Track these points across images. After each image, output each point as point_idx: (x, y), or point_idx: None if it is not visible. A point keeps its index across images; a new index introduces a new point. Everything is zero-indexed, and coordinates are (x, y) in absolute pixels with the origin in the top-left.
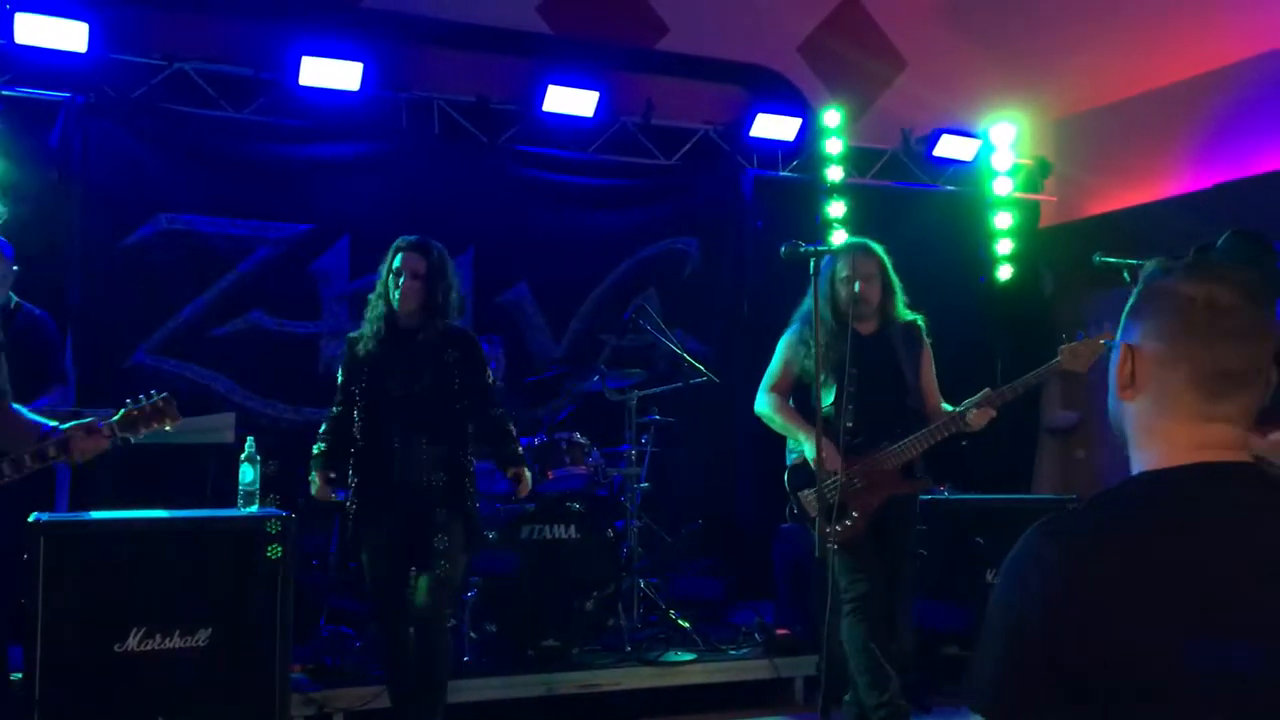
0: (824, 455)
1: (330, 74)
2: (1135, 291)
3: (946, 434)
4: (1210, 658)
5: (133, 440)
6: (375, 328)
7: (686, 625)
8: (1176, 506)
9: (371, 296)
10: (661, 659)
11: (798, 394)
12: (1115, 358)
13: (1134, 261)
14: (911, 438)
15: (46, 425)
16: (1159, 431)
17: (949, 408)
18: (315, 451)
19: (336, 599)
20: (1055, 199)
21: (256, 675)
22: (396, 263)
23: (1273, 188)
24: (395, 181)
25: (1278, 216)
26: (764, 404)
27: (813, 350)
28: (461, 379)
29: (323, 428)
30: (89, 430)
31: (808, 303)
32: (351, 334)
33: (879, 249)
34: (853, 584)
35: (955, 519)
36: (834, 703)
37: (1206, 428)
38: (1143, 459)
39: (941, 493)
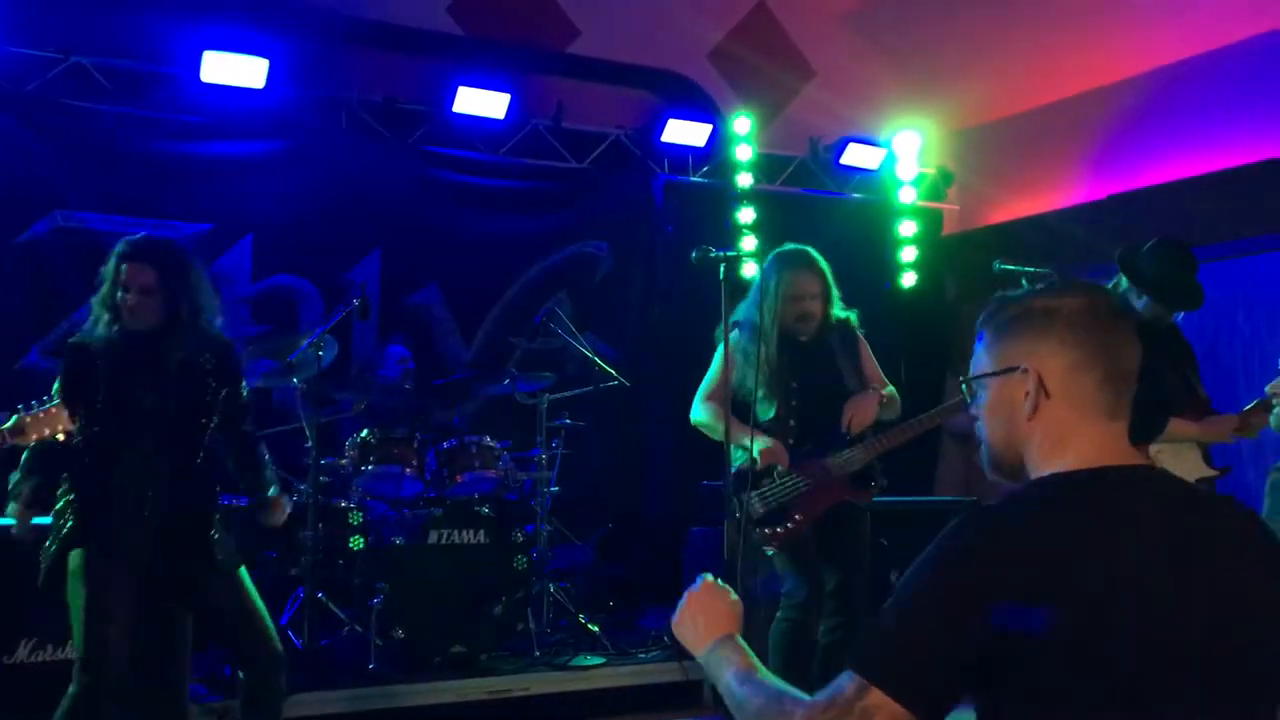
0: (773, 450)
1: (234, 70)
2: (994, 325)
3: (903, 440)
4: (1103, 653)
5: (21, 445)
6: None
7: (596, 629)
8: (1086, 506)
9: (94, 301)
10: (570, 663)
11: (735, 406)
12: (987, 394)
13: (1032, 269)
14: (863, 444)
15: None
16: (1073, 437)
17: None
18: None
19: None
20: (957, 208)
21: (153, 687)
22: (120, 273)
23: (1161, 199)
24: (301, 181)
25: (1165, 227)
26: (701, 413)
27: (751, 360)
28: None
29: None
30: None
31: (744, 311)
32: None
33: (821, 261)
34: (795, 588)
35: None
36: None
37: (1111, 426)
38: (1055, 466)
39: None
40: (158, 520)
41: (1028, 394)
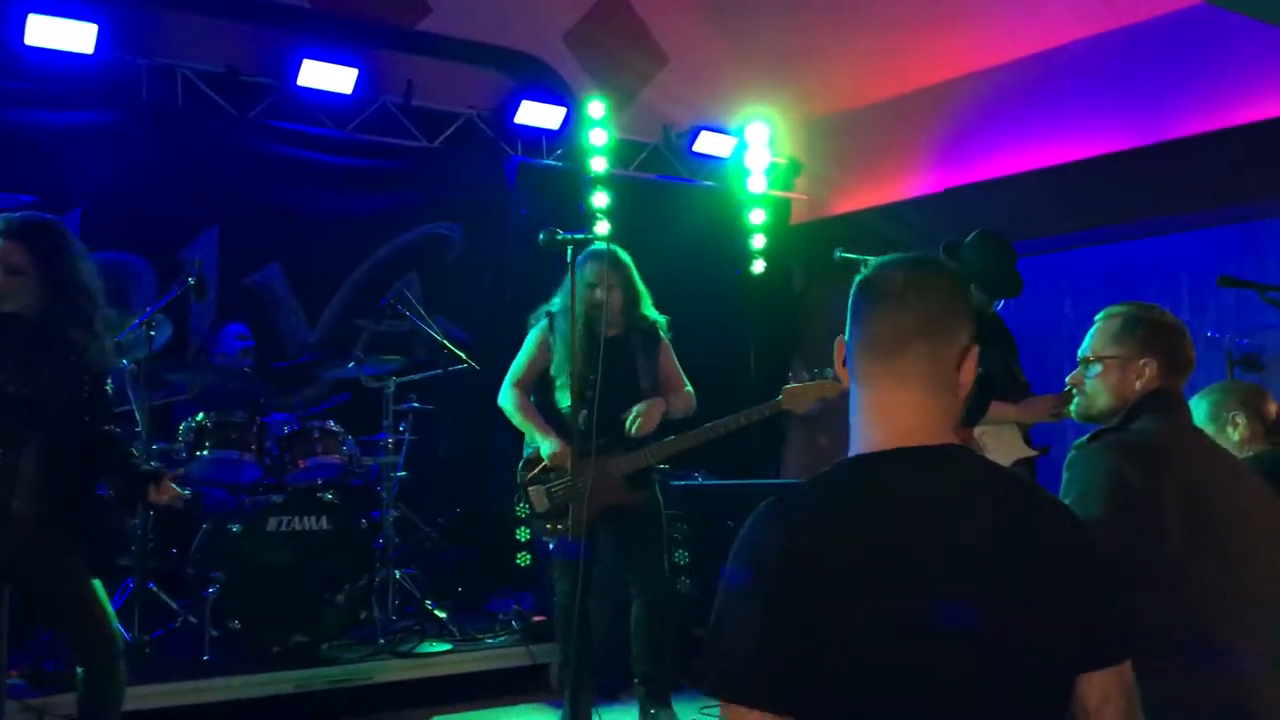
0: (558, 454)
1: (61, 34)
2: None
3: (698, 441)
4: (907, 621)
5: None
6: None
7: (443, 615)
8: (881, 488)
9: None
10: (415, 651)
11: (541, 390)
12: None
13: (872, 258)
14: (648, 449)
15: None
16: (862, 408)
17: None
18: None
19: None
20: (805, 197)
21: None
22: None
23: (997, 193)
24: (134, 153)
25: (999, 220)
26: (505, 399)
27: (555, 347)
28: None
29: None
30: None
31: (557, 299)
32: None
33: (625, 257)
34: (559, 578)
35: (708, 503)
36: (582, 687)
37: (894, 395)
38: (858, 444)
39: (696, 479)
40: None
41: (839, 361)
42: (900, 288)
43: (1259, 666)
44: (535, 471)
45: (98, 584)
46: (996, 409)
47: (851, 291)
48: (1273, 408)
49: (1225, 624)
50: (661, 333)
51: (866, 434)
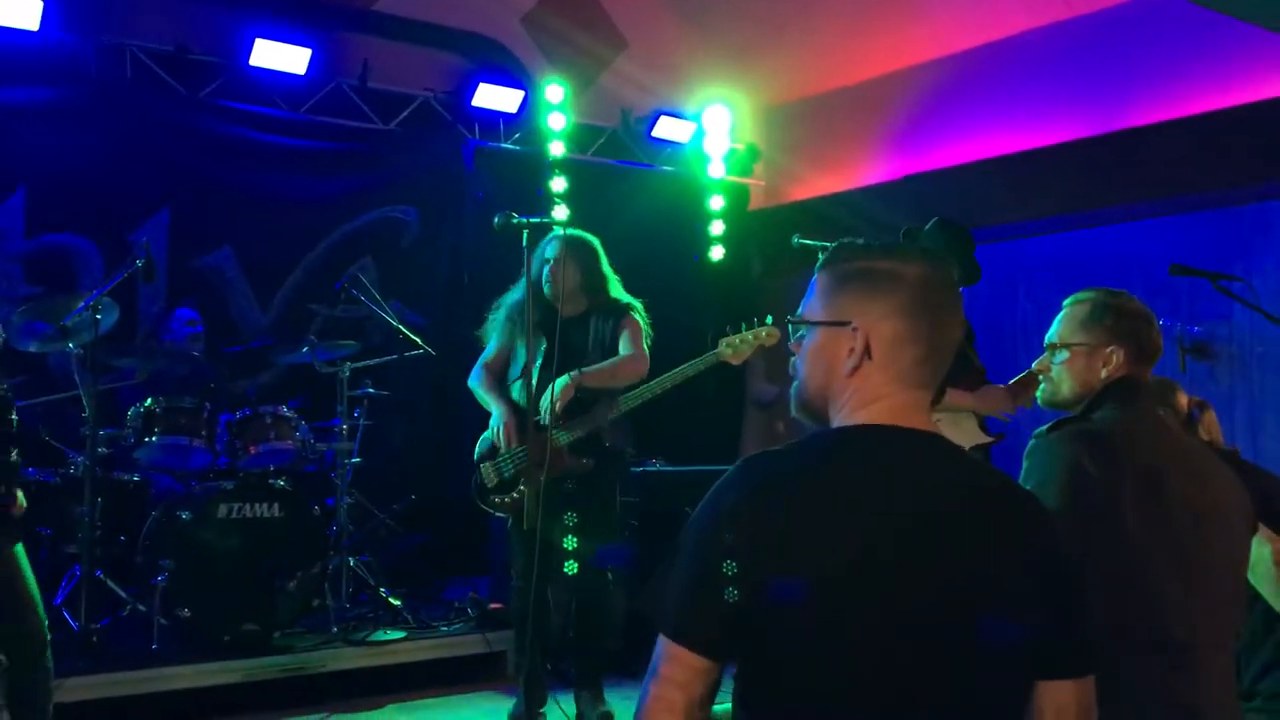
0: (507, 426)
1: (5, 10)
2: (835, 272)
3: (629, 407)
4: (849, 601)
5: None
6: None
7: (398, 603)
8: (856, 462)
9: None
10: (370, 638)
11: (508, 368)
12: (813, 339)
13: (830, 244)
14: (585, 416)
15: None
16: (882, 399)
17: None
18: None
19: None
20: (763, 184)
21: None
22: None
23: (953, 181)
24: (81, 133)
25: (955, 208)
26: (473, 378)
27: (519, 328)
28: None
29: None
30: None
31: (522, 283)
32: None
33: (588, 239)
34: (515, 556)
35: (666, 489)
36: (537, 673)
37: (917, 394)
38: (859, 418)
39: (653, 465)
40: None
41: (852, 351)
42: (960, 298)
43: (1212, 662)
44: (487, 449)
45: (28, 574)
46: (953, 397)
47: (917, 283)
48: (1183, 399)
49: (1180, 619)
50: (634, 314)
51: (868, 410)
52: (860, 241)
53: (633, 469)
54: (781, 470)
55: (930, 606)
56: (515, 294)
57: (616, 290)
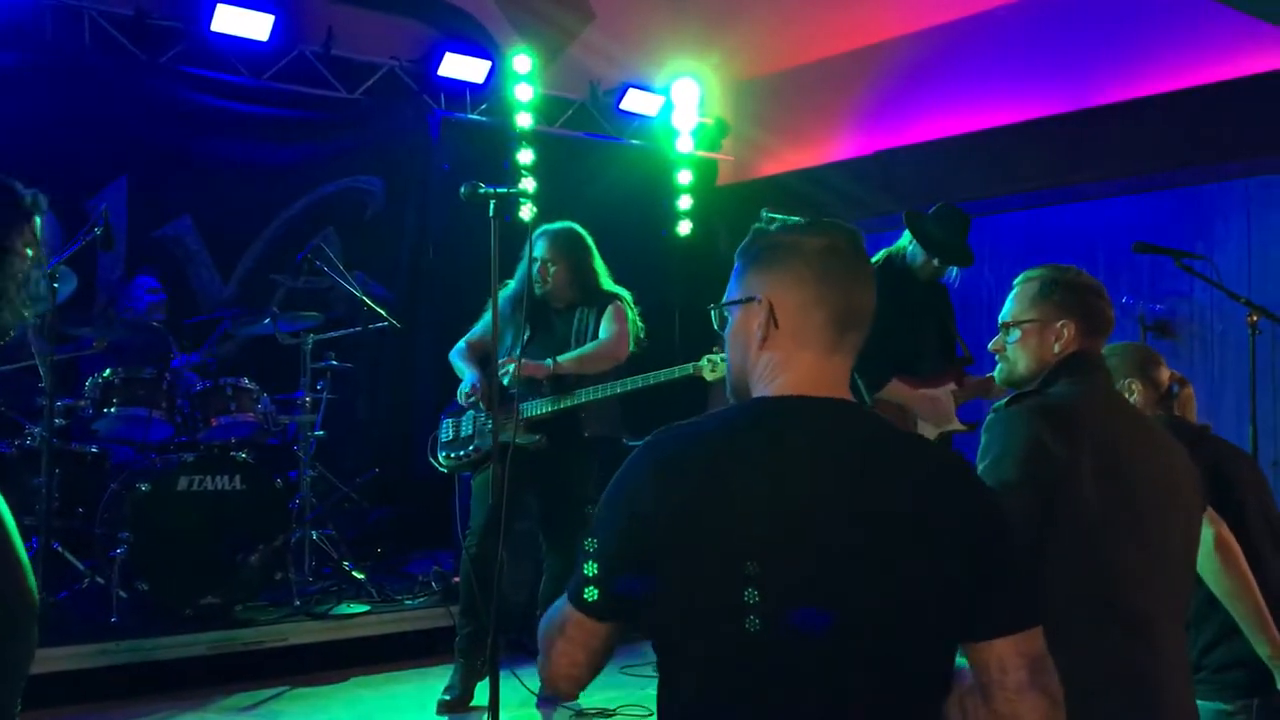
0: (473, 387)
1: None
2: (746, 255)
3: (572, 404)
4: (748, 576)
5: None
6: None
7: (361, 576)
8: (752, 431)
9: None
10: (333, 612)
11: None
12: (736, 314)
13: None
14: (547, 399)
15: None
16: (792, 365)
17: None
18: None
19: None
20: (732, 159)
21: None
22: None
23: (921, 157)
24: (36, 99)
25: (923, 184)
26: (455, 352)
27: (506, 318)
28: None
29: None
30: None
31: (517, 276)
32: None
33: (582, 235)
34: (475, 515)
35: None
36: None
37: (829, 359)
38: (767, 389)
39: (623, 441)
40: None
41: (760, 324)
42: (870, 267)
43: (1168, 634)
44: (453, 407)
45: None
46: (895, 388)
47: (818, 252)
48: (1165, 374)
49: (1136, 591)
50: (619, 303)
51: (780, 380)
52: (773, 225)
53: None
54: (684, 447)
55: (835, 575)
56: (511, 287)
57: (607, 283)
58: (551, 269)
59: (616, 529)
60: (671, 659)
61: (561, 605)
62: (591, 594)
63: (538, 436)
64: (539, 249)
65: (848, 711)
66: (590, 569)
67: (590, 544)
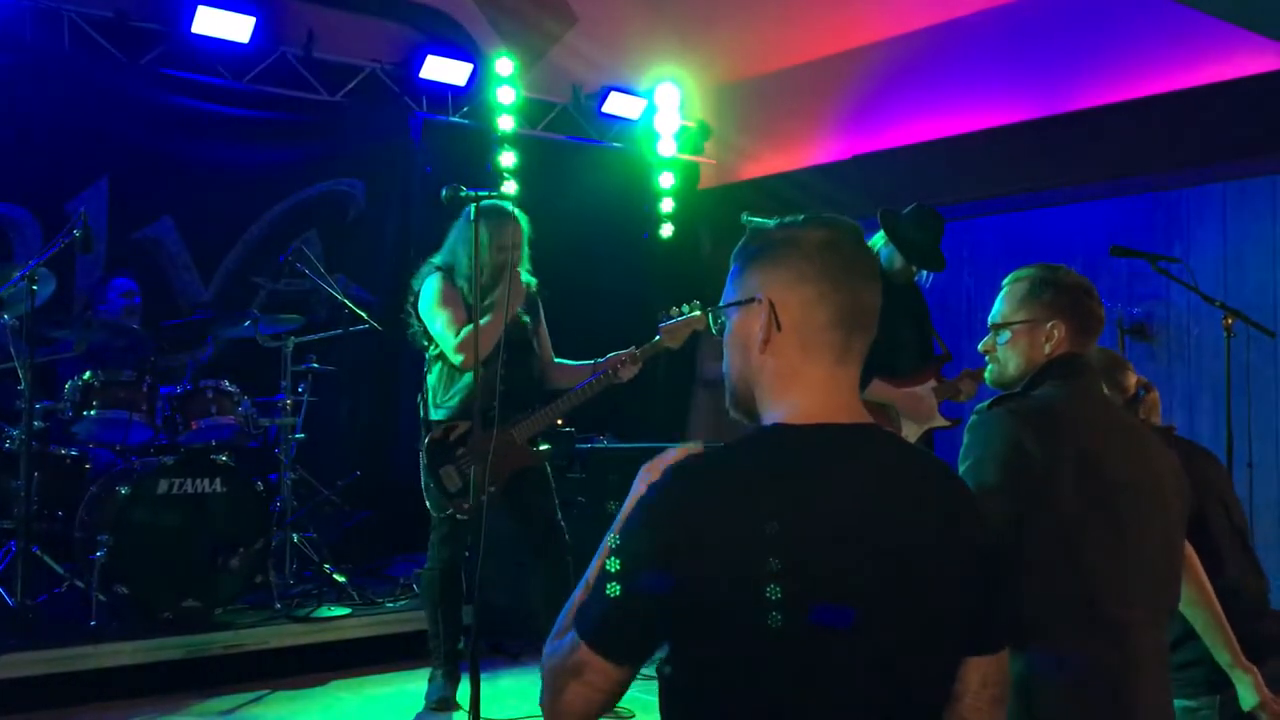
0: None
1: None
2: (742, 256)
3: (585, 398)
4: (788, 615)
5: None
6: None
7: (342, 579)
8: (795, 470)
9: None
10: (313, 615)
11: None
12: (734, 317)
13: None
14: (538, 413)
15: None
16: (798, 377)
17: (563, 361)
18: None
19: None
20: (714, 162)
21: None
22: None
23: (901, 161)
24: (16, 101)
25: (903, 188)
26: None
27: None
28: None
29: None
30: None
31: (464, 259)
32: None
33: (522, 218)
34: (442, 545)
35: (612, 466)
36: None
37: (837, 372)
38: (780, 410)
39: (600, 441)
40: None
41: (762, 325)
42: (876, 263)
43: (1144, 637)
44: (443, 452)
45: None
46: (877, 388)
47: (817, 246)
48: (1132, 379)
49: (1113, 594)
50: (536, 297)
51: (794, 401)
52: (769, 224)
53: (579, 445)
54: (715, 480)
55: (870, 608)
56: (456, 265)
57: (526, 269)
58: (517, 254)
59: (640, 548)
60: (691, 656)
61: (575, 645)
62: (614, 589)
63: (547, 446)
64: (511, 230)
65: (864, 712)
66: (604, 599)
67: (612, 564)
